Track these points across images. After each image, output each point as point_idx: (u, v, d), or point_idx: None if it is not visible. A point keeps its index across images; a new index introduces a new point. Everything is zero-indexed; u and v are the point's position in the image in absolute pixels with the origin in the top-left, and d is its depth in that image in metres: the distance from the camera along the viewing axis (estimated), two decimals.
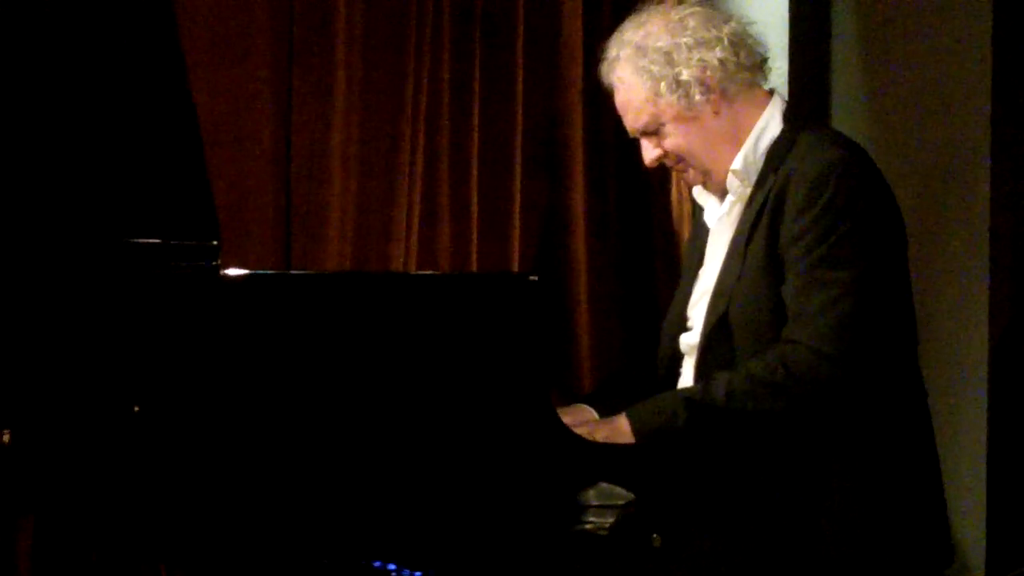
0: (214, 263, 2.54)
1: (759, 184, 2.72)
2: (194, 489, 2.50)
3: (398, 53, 4.57)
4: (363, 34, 4.57)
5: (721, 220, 2.80)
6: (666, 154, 2.79)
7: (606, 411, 2.76)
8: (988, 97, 3.20)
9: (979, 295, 3.19)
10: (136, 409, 2.50)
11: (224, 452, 2.50)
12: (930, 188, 3.48)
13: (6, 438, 2.51)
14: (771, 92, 2.82)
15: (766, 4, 4.15)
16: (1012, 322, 3.16)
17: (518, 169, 4.55)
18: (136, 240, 2.56)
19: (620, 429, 2.61)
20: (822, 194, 2.62)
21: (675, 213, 4.45)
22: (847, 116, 3.93)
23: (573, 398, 2.85)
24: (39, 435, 2.53)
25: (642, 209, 4.60)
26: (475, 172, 4.54)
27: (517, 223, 4.53)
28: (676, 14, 2.78)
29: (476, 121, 4.55)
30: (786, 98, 2.84)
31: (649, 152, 2.81)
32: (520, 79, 4.55)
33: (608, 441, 2.59)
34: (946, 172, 3.40)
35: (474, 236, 4.53)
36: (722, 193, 2.81)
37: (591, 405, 2.81)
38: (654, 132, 2.79)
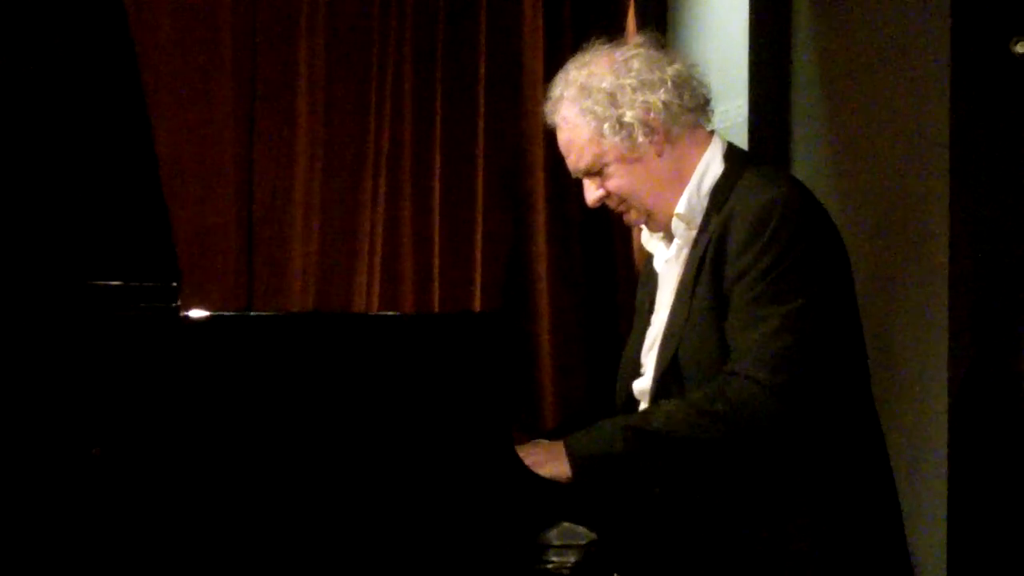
0: (175, 304, 2.53)
1: (703, 226, 2.73)
2: (156, 533, 2.49)
3: (360, 91, 4.59)
4: (325, 74, 4.59)
5: (669, 264, 2.81)
6: (609, 195, 2.80)
7: None
8: (947, 125, 3.23)
9: (938, 318, 3.21)
10: (95, 452, 2.49)
11: (186, 493, 2.49)
12: (890, 217, 3.51)
13: None
14: (712, 132, 2.83)
15: (726, 38, 4.17)
16: (972, 343, 3.19)
17: (480, 204, 4.56)
18: (96, 282, 2.54)
19: (558, 455, 2.60)
20: (763, 232, 2.63)
21: (638, 246, 4.46)
22: (807, 148, 3.95)
23: (535, 436, 2.84)
24: None
25: (605, 242, 4.61)
26: (437, 208, 4.55)
27: (479, 258, 4.54)
28: (620, 55, 2.77)
29: (438, 157, 4.57)
30: (727, 140, 2.85)
31: (591, 192, 2.81)
32: (482, 114, 4.57)
33: (553, 477, 2.58)
34: (906, 202, 3.43)
35: (436, 273, 4.54)
36: (668, 237, 2.82)
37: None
38: (597, 172, 2.78)
